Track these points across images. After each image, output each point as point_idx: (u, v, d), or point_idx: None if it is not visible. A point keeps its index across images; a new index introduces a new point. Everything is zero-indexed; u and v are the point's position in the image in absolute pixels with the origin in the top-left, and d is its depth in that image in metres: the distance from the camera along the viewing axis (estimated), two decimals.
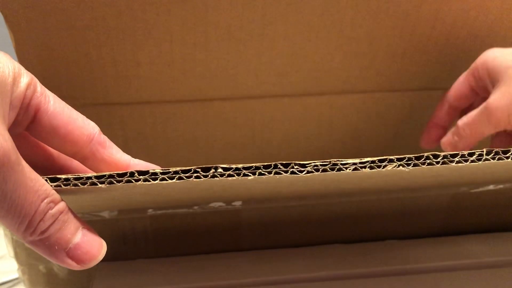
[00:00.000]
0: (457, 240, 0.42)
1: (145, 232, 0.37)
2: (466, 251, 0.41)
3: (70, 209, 0.24)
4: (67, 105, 0.26)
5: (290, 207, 0.37)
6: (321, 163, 0.25)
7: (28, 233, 0.23)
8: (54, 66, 0.40)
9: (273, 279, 0.38)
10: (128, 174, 0.24)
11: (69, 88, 0.41)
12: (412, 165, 0.26)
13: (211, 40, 0.40)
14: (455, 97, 0.43)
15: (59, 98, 0.26)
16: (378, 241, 0.42)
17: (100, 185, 0.24)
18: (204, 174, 0.25)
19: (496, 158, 0.26)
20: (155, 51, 0.40)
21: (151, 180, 0.24)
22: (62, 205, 0.24)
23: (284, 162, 0.25)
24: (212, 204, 0.33)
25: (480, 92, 0.42)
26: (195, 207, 0.34)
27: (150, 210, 0.34)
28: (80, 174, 0.24)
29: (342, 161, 0.25)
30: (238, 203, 0.34)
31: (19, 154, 0.22)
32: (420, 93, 0.47)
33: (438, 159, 0.26)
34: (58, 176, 0.24)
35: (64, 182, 0.24)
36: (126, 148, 0.46)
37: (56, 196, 0.24)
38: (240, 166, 0.25)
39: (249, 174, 0.25)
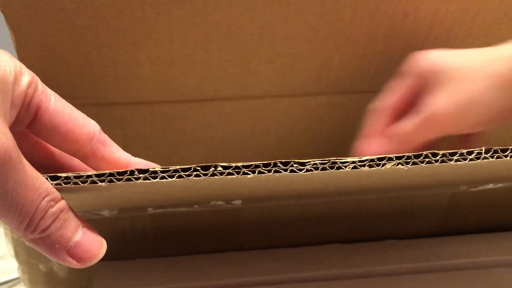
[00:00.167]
0: (456, 239, 0.42)
1: (145, 231, 0.37)
2: (466, 250, 0.41)
3: (70, 208, 0.24)
4: (68, 104, 0.26)
5: (289, 206, 0.37)
6: (320, 162, 0.25)
7: (29, 231, 0.23)
8: (55, 66, 0.40)
9: (273, 278, 0.38)
10: (128, 173, 0.24)
11: (69, 88, 0.42)
12: (411, 163, 0.26)
13: (211, 40, 0.40)
14: (395, 104, 0.39)
15: (60, 97, 0.26)
16: (377, 241, 0.42)
17: (100, 183, 0.24)
18: (204, 172, 0.25)
19: (495, 156, 0.26)
20: (155, 51, 0.40)
21: (151, 178, 0.24)
22: (62, 203, 0.24)
23: (284, 160, 0.25)
24: (212, 203, 0.34)
25: (414, 97, 0.39)
26: (195, 206, 0.34)
27: (150, 209, 0.34)
28: (81, 173, 0.24)
29: (341, 159, 0.25)
30: (238, 202, 0.34)
31: (20, 153, 0.22)
32: None
33: (437, 158, 0.26)
34: (59, 174, 0.24)
35: (65, 181, 0.24)
36: (126, 148, 0.46)
37: (57, 194, 0.24)
38: (239, 164, 0.25)
39: (249, 172, 0.25)
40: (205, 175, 0.25)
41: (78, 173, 0.24)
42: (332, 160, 0.25)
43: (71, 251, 0.24)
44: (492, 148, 0.26)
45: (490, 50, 0.35)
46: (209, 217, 0.36)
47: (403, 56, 0.44)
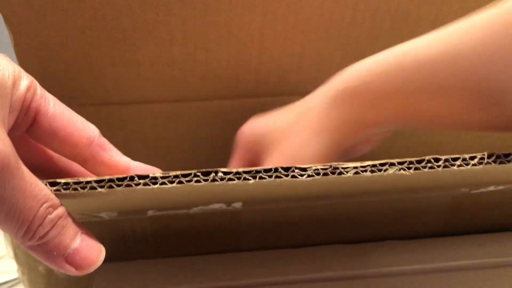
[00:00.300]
0: (457, 240, 0.42)
1: (145, 233, 0.36)
2: (467, 251, 0.41)
3: (69, 214, 0.24)
4: (67, 108, 0.26)
5: (290, 208, 0.37)
6: (321, 167, 0.25)
7: (26, 238, 0.23)
8: (54, 66, 0.40)
9: (273, 280, 0.38)
10: (128, 178, 0.24)
11: (69, 88, 0.41)
12: (413, 168, 0.26)
13: (211, 40, 0.40)
14: None
15: (59, 101, 0.26)
16: (378, 242, 0.42)
17: (99, 189, 0.24)
18: (204, 178, 0.24)
19: (498, 161, 0.26)
20: (155, 51, 0.40)
21: (151, 184, 0.24)
22: (61, 210, 0.24)
23: (285, 166, 0.25)
24: (212, 206, 0.33)
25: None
26: (195, 209, 0.33)
27: (150, 212, 0.33)
28: (80, 179, 0.24)
29: (342, 164, 0.25)
30: (238, 205, 0.34)
31: (18, 158, 0.22)
32: None
33: (439, 163, 0.26)
34: (58, 180, 0.24)
35: (64, 187, 0.24)
36: (126, 148, 0.46)
37: (56, 201, 0.23)
38: (240, 170, 0.25)
39: (250, 178, 0.25)
40: (205, 180, 0.24)
41: (78, 179, 0.24)
42: (334, 166, 0.25)
43: (70, 258, 0.24)
44: (495, 154, 0.26)
45: (299, 105, 0.37)
46: (209, 219, 0.36)
47: None
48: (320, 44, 0.42)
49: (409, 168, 0.26)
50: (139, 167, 0.28)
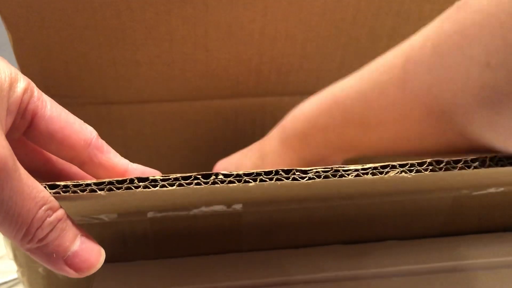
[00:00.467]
0: (457, 240, 0.42)
1: (145, 234, 0.36)
2: (467, 251, 0.41)
3: (68, 216, 0.24)
4: (64, 110, 0.26)
5: (291, 210, 0.37)
6: (322, 169, 0.25)
7: (25, 241, 0.23)
8: (53, 66, 0.39)
9: (274, 280, 0.38)
10: (128, 181, 0.24)
11: (69, 88, 0.41)
12: (414, 171, 0.25)
13: (211, 40, 0.40)
14: None
15: (56, 103, 0.26)
16: (378, 242, 0.42)
17: (99, 192, 0.24)
18: (205, 180, 0.24)
19: (499, 164, 0.26)
20: (155, 51, 0.40)
21: (151, 187, 0.24)
22: (60, 212, 0.23)
23: (285, 168, 0.25)
24: (213, 207, 0.33)
25: None
26: (195, 210, 0.33)
27: (150, 213, 0.33)
28: (80, 181, 0.24)
29: (344, 167, 0.25)
30: (238, 206, 0.34)
31: (16, 160, 0.22)
32: None
33: (441, 165, 0.26)
34: (57, 183, 0.24)
35: (63, 189, 0.24)
36: (125, 147, 0.46)
37: (55, 203, 0.23)
38: (241, 172, 0.24)
39: (250, 180, 0.24)
40: (205, 183, 0.24)
41: (77, 182, 0.24)
42: (335, 168, 0.25)
43: (69, 261, 0.24)
44: (497, 156, 0.26)
45: (259, 149, 0.39)
46: (209, 221, 0.35)
47: None
48: (321, 43, 0.42)
49: (411, 171, 0.25)
50: (137, 169, 0.27)
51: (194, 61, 0.41)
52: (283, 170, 0.25)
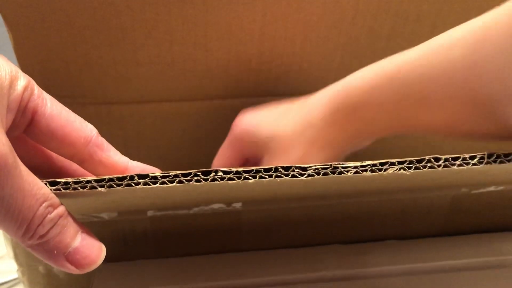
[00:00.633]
0: (457, 240, 0.42)
1: (145, 233, 0.36)
2: (466, 251, 0.41)
3: (69, 213, 0.24)
4: (65, 108, 0.26)
5: (290, 209, 0.37)
6: (321, 167, 0.25)
7: (26, 238, 0.23)
8: (54, 65, 0.39)
9: (273, 279, 0.38)
10: (128, 178, 0.24)
11: (69, 88, 0.41)
12: (413, 168, 0.26)
13: (211, 40, 0.40)
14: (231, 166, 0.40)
15: (56, 101, 0.26)
16: (378, 242, 0.42)
17: (100, 188, 0.24)
18: (205, 177, 0.24)
19: (498, 161, 0.26)
20: (155, 51, 0.40)
21: (151, 183, 0.24)
22: (61, 209, 0.24)
23: (285, 165, 0.25)
24: (213, 206, 0.33)
25: (248, 158, 0.41)
26: (195, 209, 0.33)
27: (150, 212, 0.33)
28: (80, 178, 0.24)
29: (343, 164, 0.25)
30: (238, 205, 0.34)
31: (17, 157, 0.22)
32: None
33: (440, 162, 0.26)
34: (58, 180, 0.24)
35: (64, 186, 0.24)
36: (125, 147, 0.46)
37: (55, 200, 0.23)
38: (240, 169, 0.24)
39: (250, 177, 0.25)
40: (205, 180, 0.24)
41: (78, 179, 0.24)
42: (334, 165, 0.25)
43: (70, 257, 0.24)
44: (495, 153, 0.26)
45: (301, 115, 0.37)
46: (209, 220, 0.36)
47: None
48: (321, 44, 0.42)
49: (409, 168, 0.26)
50: (137, 167, 0.28)
51: (194, 61, 0.41)
52: (282, 167, 0.25)
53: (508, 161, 0.26)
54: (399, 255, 0.40)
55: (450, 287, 0.37)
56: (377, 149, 0.40)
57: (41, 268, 0.38)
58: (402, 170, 0.25)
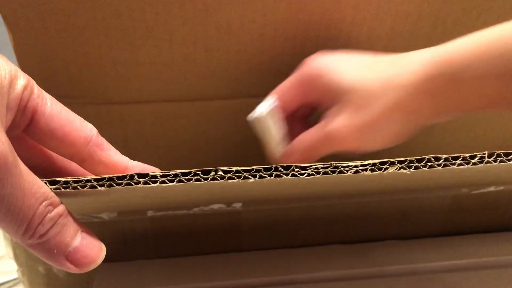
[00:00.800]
0: (457, 240, 0.42)
1: (145, 233, 0.36)
2: (466, 251, 0.41)
3: (69, 212, 0.24)
4: (65, 107, 0.26)
5: (290, 209, 0.37)
6: (322, 166, 0.25)
7: (26, 237, 0.23)
8: (53, 66, 0.39)
9: (273, 279, 0.38)
10: (128, 177, 0.24)
11: (69, 88, 0.41)
12: (413, 167, 0.26)
13: (211, 40, 0.40)
14: (283, 108, 0.38)
15: (56, 100, 0.26)
16: (378, 241, 0.42)
17: (99, 188, 0.24)
18: (204, 177, 0.24)
19: (498, 160, 0.26)
20: (155, 51, 0.40)
21: (151, 183, 0.24)
22: (61, 208, 0.24)
23: (285, 164, 0.25)
24: (212, 206, 0.33)
25: (310, 102, 0.38)
26: (195, 209, 0.33)
27: (150, 212, 0.33)
28: (80, 177, 0.24)
29: (343, 163, 0.25)
30: (238, 205, 0.34)
31: (17, 157, 0.22)
32: None
33: (440, 162, 0.26)
34: (58, 179, 0.24)
35: (64, 185, 0.24)
36: (126, 147, 0.46)
37: (55, 199, 0.23)
38: (240, 168, 0.24)
39: (250, 176, 0.25)
40: (205, 179, 0.24)
41: (77, 178, 0.24)
42: (334, 164, 0.25)
43: (70, 257, 0.24)
44: (495, 152, 0.26)
45: (391, 76, 0.34)
46: (209, 220, 0.36)
47: None
48: (321, 44, 0.42)
49: (409, 167, 0.26)
50: (137, 166, 0.27)
51: (194, 61, 0.41)
52: (282, 166, 0.25)
53: (509, 160, 0.26)
54: (399, 255, 0.40)
55: (450, 287, 0.37)
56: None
57: (41, 269, 0.38)
58: (402, 170, 0.25)
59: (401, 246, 0.41)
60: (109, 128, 0.44)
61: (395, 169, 0.25)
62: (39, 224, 0.23)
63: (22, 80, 0.24)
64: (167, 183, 0.24)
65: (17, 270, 0.39)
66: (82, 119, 0.26)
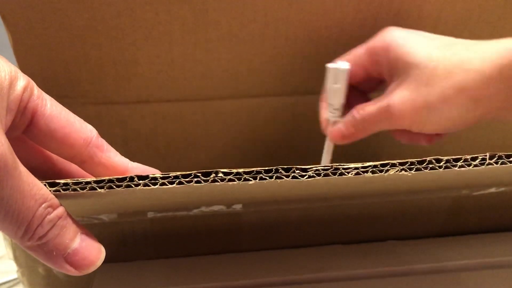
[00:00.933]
0: (457, 240, 0.42)
1: (145, 234, 0.36)
2: (467, 251, 0.41)
3: (68, 214, 0.24)
4: (64, 108, 0.26)
5: (291, 210, 0.37)
6: (322, 168, 0.25)
7: (26, 239, 0.23)
8: (53, 66, 0.39)
9: (273, 280, 0.38)
10: (128, 179, 0.24)
11: (68, 88, 0.41)
12: (414, 169, 0.25)
13: (211, 40, 0.40)
14: (350, 75, 0.38)
15: (56, 101, 0.26)
16: (378, 242, 0.42)
17: (99, 190, 0.24)
18: (205, 178, 0.24)
19: (499, 162, 0.26)
20: (155, 51, 0.40)
21: (151, 185, 0.24)
22: (60, 210, 0.23)
23: (285, 166, 0.25)
24: (213, 207, 0.33)
25: (375, 74, 0.38)
26: (195, 210, 0.33)
27: (150, 213, 0.33)
28: (80, 179, 0.24)
29: (344, 165, 0.25)
30: (238, 206, 0.34)
31: (16, 158, 0.22)
32: None
33: (441, 164, 0.26)
34: (57, 181, 0.24)
35: (63, 187, 0.24)
36: (125, 147, 0.46)
37: (55, 201, 0.23)
38: (241, 170, 0.24)
39: (250, 178, 0.24)
40: (205, 181, 0.24)
41: (77, 180, 0.24)
42: (335, 166, 0.25)
43: (69, 259, 0.24)
44: (497, 154, 0.26)
45: (468, 57, 0.33)
46: (209, 221, 0.35)
47: None
48: (321, 44, 0.42)
49: (410, 169, 0.25)
50: (137, 168, 0.27)
51: (194, 61, 0.41)
52: (283, 168, 0.25)
53: (510, 162, 0.26)
54: (399, 256, 0.40)
55: (451, 287, 0.37)
56: (377, 150, 0.40)
57: (41, 269, 0.38)
58: (403, 171, 0.25)
59: (402, 246, 0.41)
60: (109, 128, 0.44)
61: (396, 171, 0.25)
62: (38, 226, 0.23)
63: (22, 81, 0.24)
64: (167, 185, 0.24)
65: (17, 271, 0.39)
66: (82, 120, 0.26)
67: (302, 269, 0.39)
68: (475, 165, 0.26)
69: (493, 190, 0.37)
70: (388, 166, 0.25)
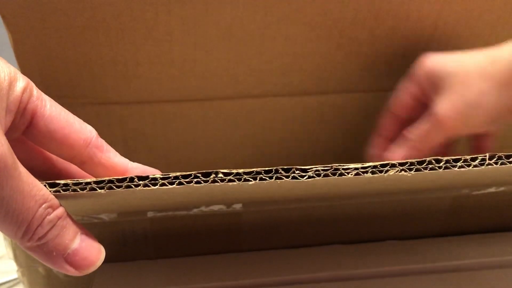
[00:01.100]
0: (457, 240, 0.42)
1: (145, 234, 0.36)
2: (466, 251, 0.41)
3: (68, 214, 0.24)
4: (64, 109, 0.26)
5: (291, 210, 0.37)
6: (322, 168, 0.25)
7: (25, 239, 0.23)
8: (53, 66, 0.39)
9: (273, 280, 0.38)
10: (128, 179, 0.24)
11: (68, 88, 0.41)
12: (414, 170, 0.26)
13: (211, 40, 0.40)
14: (398, 106, 0.42)
15: (55, 102, 0.26)
16: (378, 242, 0.42)
17: (99, 190, 0.24)
18: (205, 179, 0.24)
19: (499, 163, 0.26)
20: (155, 51, 0.40)
21: (151, 185, 0.24)
22: (60, 210, 0.23)
23: (285, 167, 0.25)
24: (213, 207, 0.33)
25: (422, 99, 0.41)
26: (195, 210, 0.33)
27: (150, 213, 0.33)
28: (80, 180, 0.24)
29: (343, 165, 0.25)
30: (238, 206, 0.34)
31: (16, 159, 0.22)
32: None
33: (441, 164, 0.26)
34: (57, 181, 0.24)
35: (63, 188, 0.24)
36: (125, 147, 0.46)
37: (55, 201, 0.23)
38: (240, 171, 0.24)
39: (250, 179, 0.24)
40: (205, 181, 0.24)
41: (77, 180, 0.24)
42: (335, 167, 0.25)
43: (69, 259, 0.24)
44: (496, 154, 0.26)
45: (491, 51, 0.37)
46: (209, 221, 0.36)
47: (406, 56, 0.43)
48: (321, 44, 0.42)
49: (410, 170, 0.25)
50: (137, 168, 0.27)
51: (194, 61, 0.41)
52: (282, 169, 0.25)
53: (509, 162, 0.26)
54: (399, 256, 0.40)
55: (451, 287, 0.37)
56: None
57: (41, 269, 0.38)
58: (403, 172, 0.25)
59: (401, 246, 0.41)
60: (109, 128, 0.44)
61: (396, 171, 0.25)
62: (38, 226, 0.23)
63: (22, 82, 0.24)
64: (167, 185, 0.24)
65: (17, 271, 0.39)
66: (81, 121, 0.26)
67: (302, 269, 0.39)
68: (475, 165, 0.26)
69: (492, 189, 0.37)
70: (388, 166, 0.25)
